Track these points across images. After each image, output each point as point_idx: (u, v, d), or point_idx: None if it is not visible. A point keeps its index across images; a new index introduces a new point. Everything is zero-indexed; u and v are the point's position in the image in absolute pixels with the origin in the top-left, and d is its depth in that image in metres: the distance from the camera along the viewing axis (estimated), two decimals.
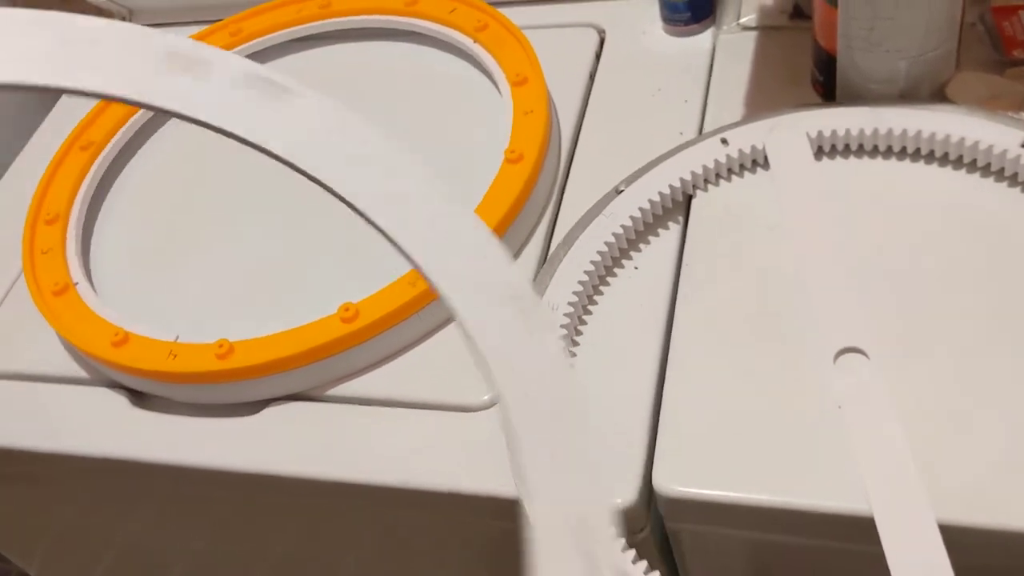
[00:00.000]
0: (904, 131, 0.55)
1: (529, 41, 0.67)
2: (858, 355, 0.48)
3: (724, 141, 0.58)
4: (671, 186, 0.57)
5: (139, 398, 0.59)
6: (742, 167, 0.58)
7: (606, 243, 0.55)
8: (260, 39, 0.76)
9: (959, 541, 0.42)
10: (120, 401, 0.59)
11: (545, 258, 0.59)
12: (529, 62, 0.66)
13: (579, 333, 0.54)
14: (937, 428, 0.45)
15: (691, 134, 0.63)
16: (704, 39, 0.69)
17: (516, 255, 0.59)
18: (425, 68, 0.72)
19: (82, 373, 0.61)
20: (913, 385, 0.47)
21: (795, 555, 0.50)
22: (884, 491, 0.44)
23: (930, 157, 0.56)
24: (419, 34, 0.72)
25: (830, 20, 0.56)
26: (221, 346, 0.54)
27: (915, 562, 0.41)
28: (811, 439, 0.46)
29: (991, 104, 0.56)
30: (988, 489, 0.43)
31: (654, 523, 0.50)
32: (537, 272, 0.58)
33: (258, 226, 0.66)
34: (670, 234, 0.58)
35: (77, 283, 0.61)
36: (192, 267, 0.64)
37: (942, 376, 0.47)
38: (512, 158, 0.60)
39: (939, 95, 0.58)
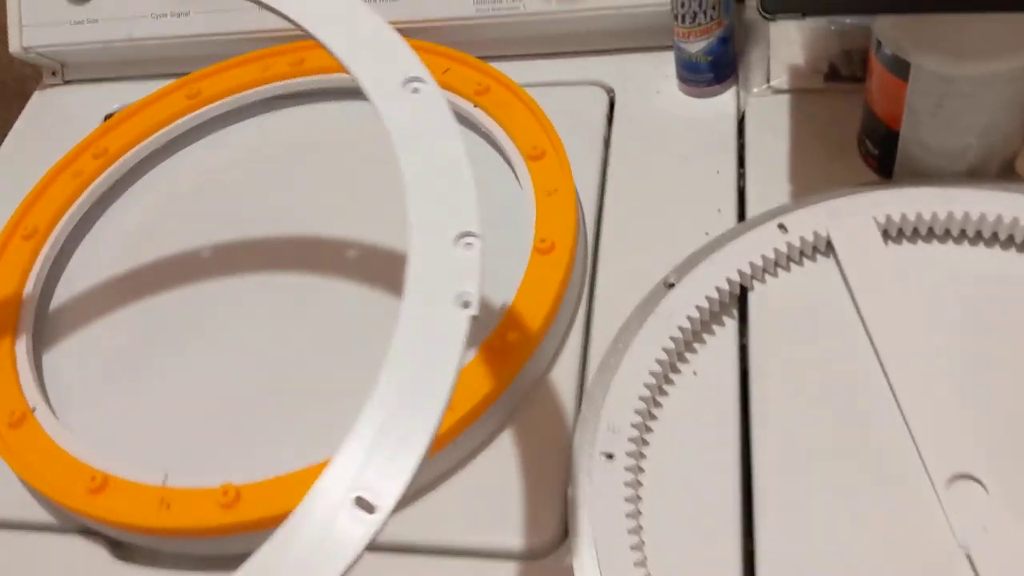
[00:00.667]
0: (982, 215, 0.50)
1: (540, 106, 0.60)
2: (973, 483, 0.43)
3: (783, 227, 0.52)
4: (729, 279, 0.51)
5: (120, 548, 0.50)
6: (802, 255, 0.52)
7: (664, 349, 0.49)
8: (222, 101, 0.67)
9: None
10: (97, 553, 0.50)
11: (583, 363, 0.52)
12: (544, 131, 0.59)
13: (643, 456, 0.47)
14: None
15: (729, 211, 0.57)
16: (727, 101, 0.63)
17: (552, 360, 0.52)
18: None
19: (48, 518, 0.51)
20: None
21: None
22: None
23: (1008, 242, 0.51)
24: None
25: (893, 92, 0.51)
26: (226, 493, 0.46)
27: None
28: None
29: None
30: None
31: None
32: (582, 385, 0.51)
33: (247, 327, 0.57)
34: (726, 332, 0.52)
35: (35, 408, 0.52)
36: (167, 382, 0.55)
37: None
38: (543, 248, 0.53)
39: (1008, 170, 0.53)
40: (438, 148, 0.38)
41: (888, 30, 0.50)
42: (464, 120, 0.62)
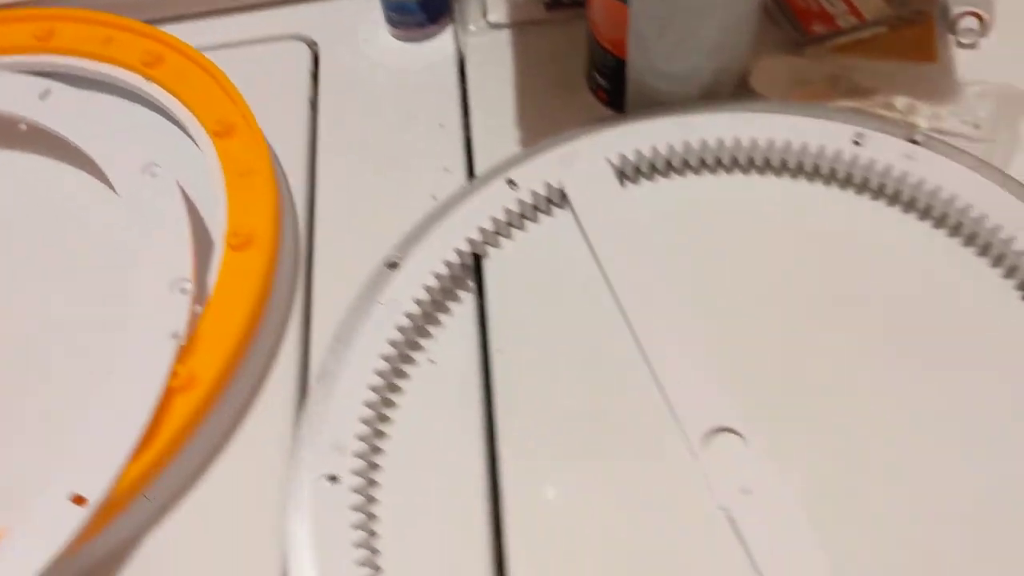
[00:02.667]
0: (720, 141, 0.45)
1: (225, 73, 0.51)
2: (730, 435, 0.39)
3: (512, 183, 0.46)
4: (459, 250, 0.44)
5: None
6: (536, 210, 0.46)
7: (391, 341, 0.42)
8: None
9: None
10: None
11: (304, 373, 0.44)
12: (232, 101, 0.50)
13: (375, 469, 0.40)
14: (838, 516, 0.37)
15: (458, 169, 0.50)
16: (444, 44, 0.56)
17: (262, 375, 0.44)
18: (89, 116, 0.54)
19: None
20: (804, 463, 0.38)
21: None
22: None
23: (749, 165, 0.47)
24: (71, 75, 0.54)
25: (615, 16, 0.45)
26: None
27: None
28: (694, 556, 0.36)
29: (800, 94, 0.48)
30: None
31: None
32: (300, 401, 0.43)
33: None
34: (463, 309, 0.45)
35: None
36: None
37: (834, 444, 0.39)
38: (236, 243, 0.44)
39: (742, 88, 0.49)
40: None
41: None
42: (136, 97, 0.52)
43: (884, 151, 0.44)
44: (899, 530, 0.36)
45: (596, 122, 0.47)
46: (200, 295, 0.43)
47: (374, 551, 0.38)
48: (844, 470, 0.38)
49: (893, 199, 0.45)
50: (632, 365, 0.41)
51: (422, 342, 0.44)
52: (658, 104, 0.47)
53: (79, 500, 0.37)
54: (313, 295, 0.47)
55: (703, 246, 0.44)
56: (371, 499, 0.39)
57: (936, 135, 0.45)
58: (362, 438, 0.40)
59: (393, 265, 0.44)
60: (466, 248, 0.44)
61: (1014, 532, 0.36)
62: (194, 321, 0.42)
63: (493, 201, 0.45)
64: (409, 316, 0.43)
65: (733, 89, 0.48)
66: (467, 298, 0.45)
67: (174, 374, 0.40)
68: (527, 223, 0.46)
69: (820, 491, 0.37)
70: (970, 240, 0.43)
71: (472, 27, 0.55)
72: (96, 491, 0.37)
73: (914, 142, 0.44)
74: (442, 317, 0.44)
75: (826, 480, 0.38)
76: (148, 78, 0.52)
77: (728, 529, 0.37)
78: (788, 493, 0.37)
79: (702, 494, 0.37)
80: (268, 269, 0.44)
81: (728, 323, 0.42)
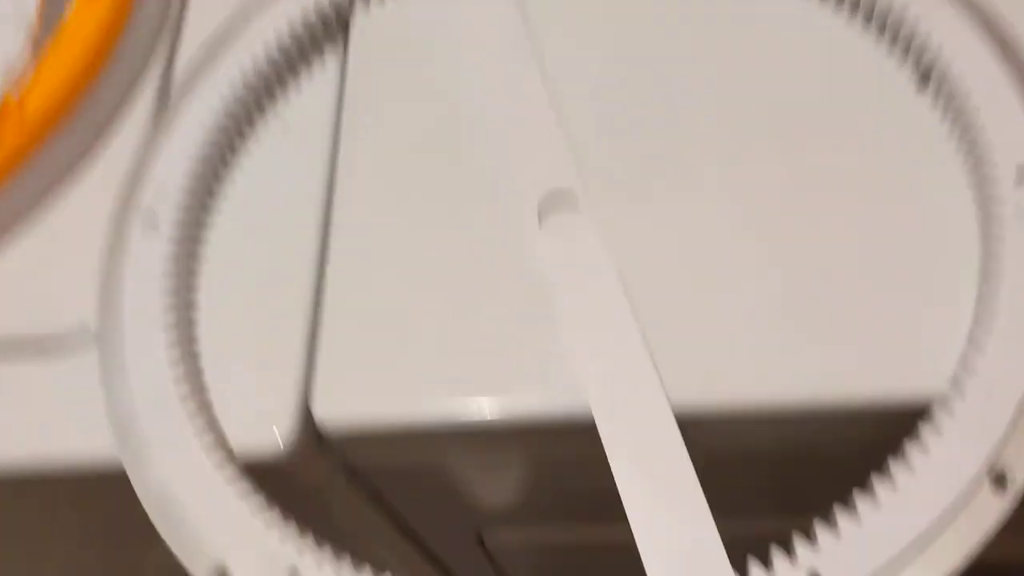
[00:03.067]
0: None
1: None
2: (566, 199, 0.37)
3: None
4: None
5: None
6: None
7: (237, 97, 0.41)
8: None
9: (699, 427, 0.32)
10: None
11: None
12: None
13: (201, 225, 0.40)
14: (669, 292, 0.35)
15: None
16: None
17: (112, 112, 0.43)
18: None
19: None
20: (639, 237, 0.36)
21: (504, 474, 0.39)
22: (606, 379, 0.33)
23: None
24: None
25: None
26: None
27: (647, 459, 0.31)
28: (510, 323, 0.35)
29: None
30: (737, 362, 0.33)
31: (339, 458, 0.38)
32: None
33: None
34: (325, 76, 0.43)
35: None
36: None
37: (677, 222, 0.36)
38: None
39: None
40: None
41: None
42: None
43: None
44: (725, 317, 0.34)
45: None
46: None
47: (189, 301, 0.38)
48: (680, 248, 0.36)
49: None
50: (485, 126, 0.39)
51: (277, 97, 0.42)
52: None
53: None
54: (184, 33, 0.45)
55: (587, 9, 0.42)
56: (194, 248, 0.39)
57: None
58: (191, 190, 0.39)
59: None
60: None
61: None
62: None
63: None
64: (259, 72, 0.41)
65: None
66: (333, 63, 0.43)
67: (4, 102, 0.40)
68: None
69: (650, 265, 0.35)
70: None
71: None
72: None
73: None
74: (302, 78, 0.43)
75: (658, 256, 0.36)
76: None
77: (546, 297, 0.35)
78: (613, 265, 0.35)
79: (524, 252, 0.36)
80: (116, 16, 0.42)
81: (591, 85, 0.39)
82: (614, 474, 0.31)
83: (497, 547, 0.49)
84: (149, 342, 0.35)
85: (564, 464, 0.38)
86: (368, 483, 0.40)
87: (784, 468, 0.39)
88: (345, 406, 0.34)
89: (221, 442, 0.34)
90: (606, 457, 0.31)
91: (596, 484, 0.31)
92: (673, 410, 0.31)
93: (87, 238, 0.40)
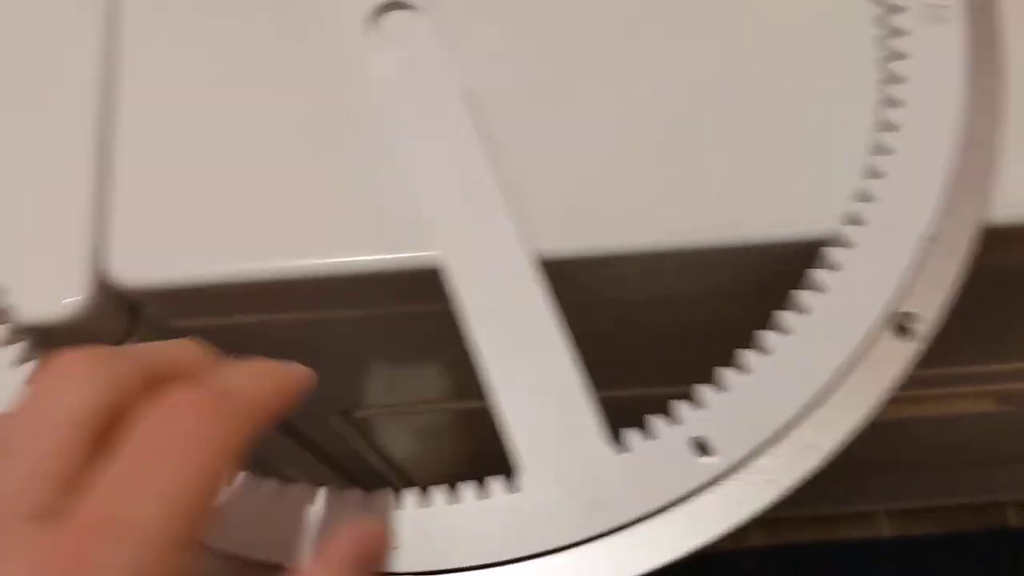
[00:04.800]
0: None
1: None
2: (405, 11, 0.30)
3: None
4: None
5: None
6: None
7: None
8: None
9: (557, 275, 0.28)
10: None
11: None
12: None
13: None
14: (519, 122, 0.29)
15: None
16: None
17: None
18: None
19: None
20: (487, 58, 0.30)
21: (338, 329, 0.34)
22: (454, 223, 0.28)
23: None
24: None
25: None
26: None
27: (507, 319, 0.27)
28: (336, 153, 0.29)
29: None
30: (589, 205, 0.28)
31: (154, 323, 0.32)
32: None
33: None
34: None
35: None
36: None
37: (539, 31, 0.31)
38: None
39: None
40: None
41: None
42: None
43: None
44: (573, 141, 0.29)
45: None
46: None
47: None
48: (541, 63, 0.30)
49: None
50: None
51: None
52: None
53: None
54: None
55: None
56: None
57: None
58: None
59: None
60: None
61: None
62: None
63: None
64: None
65: None
66: None
67: None
68: None
69: (504, 86, 0.30)
70: None
71: None
72: None
73: None
74: None
75: (514, 74, 0.30)
76: None
77: (378, 129, 0.29)
78: (456, 82, 0.29)
79: (356, 77, 0.30)
80: None
81: None
82: (471, 336, 0.26)
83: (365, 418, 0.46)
84: None
85: (400, 330, 0.34)
86: None
87: (665, 328, 0.35)
88: (148, 262, 0.29)
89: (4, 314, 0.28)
90: (448, 319, 0.26)
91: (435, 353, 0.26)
92: (538, 258, 0.27)
93: None
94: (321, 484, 0.26)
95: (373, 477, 0.57)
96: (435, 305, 0.28)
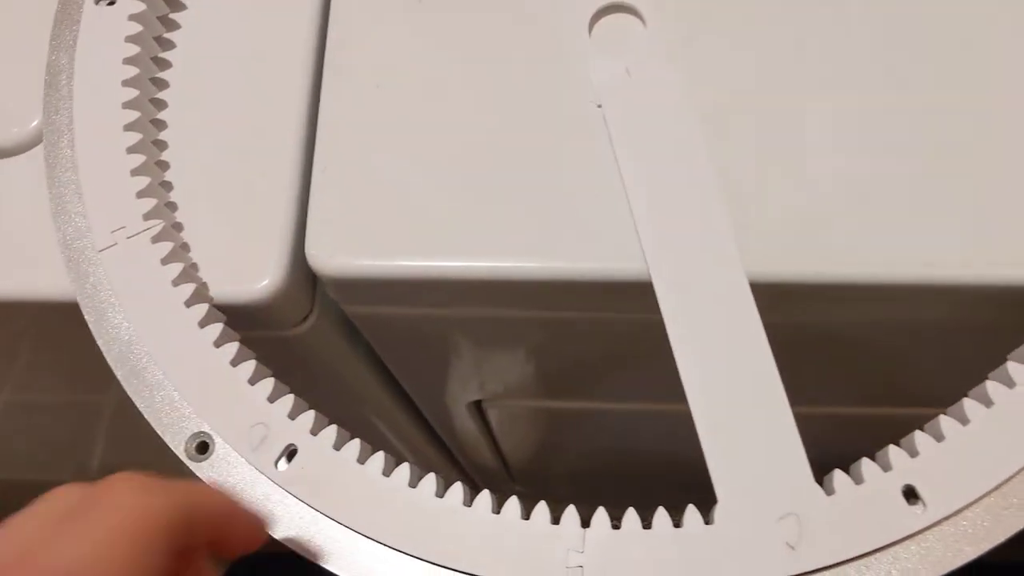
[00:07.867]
0: None
1: None
2: (629, 18, 0.30)
3: None
4: None
5: None
6: None
7: None
8: None
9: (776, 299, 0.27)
10: None
11: None
12: None
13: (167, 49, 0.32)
14: (747, 139, 0.29)
15: None
16: None
17: None
18: None
19: None
20: (712, 70, 0.29)
21: (516, 332, 0.34)
22: (671, 239, 0.27)
23: None
24: None
25: None
26: None
27: (715, 340, 0.26)
28: (549, 160, 0.29)
29: None
30: (810, 228, 0.27)
31: (327, 307, 0.32)
32: None
33: None
34: None
35: None
36: None
37: (756, 55, 0.30)
38: None
39: None
40: None
41: None
42: None
43: None
44: (793, 157, 0.28)
45: None
46: None
47: (152, 90, 0.31)
48: (756, 82, 0.29)
49: None
50: None
51: None
52: None
53: None
54: None
55: None
56: (165, 37, 0.32)
57: None
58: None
59: None
60: None
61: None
62: None
63: None
64: None
65: None
66: None
67: None
68: None
69: (723, 103, 0.29)
70: None
71: None
72: None
73: None
74: None
75: (733, 92, 0.29)
76: None
77: (597, 130, 0.29)
78: (678, 93, 0.28)
79: (577, 81, 0.29)
80: None
81: None
82: (677, 357, 0.25)
83: (495, 415, 0.45)
84: (108, 134, 0.29)
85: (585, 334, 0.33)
86: (362, 340, 0.35)
87: (880, 356, 0.34)
88: (344, 248, 0.29)
89: (201, 292, 0.28)
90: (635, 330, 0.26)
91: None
92: (751, 282, 0.26)
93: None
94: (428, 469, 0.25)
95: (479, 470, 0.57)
96: (629, 315, 0.28)
